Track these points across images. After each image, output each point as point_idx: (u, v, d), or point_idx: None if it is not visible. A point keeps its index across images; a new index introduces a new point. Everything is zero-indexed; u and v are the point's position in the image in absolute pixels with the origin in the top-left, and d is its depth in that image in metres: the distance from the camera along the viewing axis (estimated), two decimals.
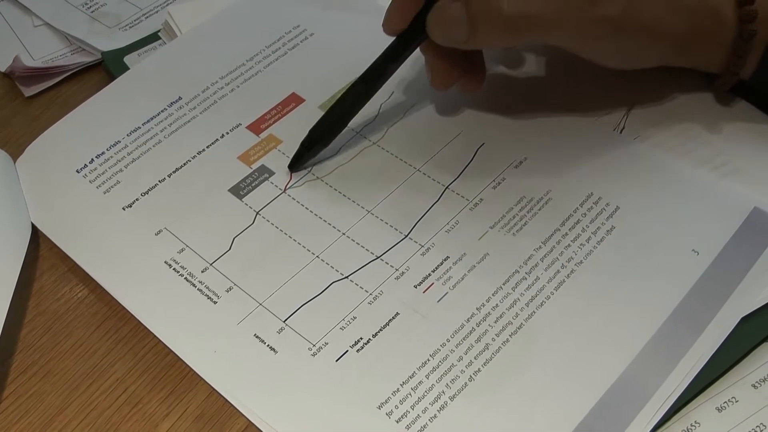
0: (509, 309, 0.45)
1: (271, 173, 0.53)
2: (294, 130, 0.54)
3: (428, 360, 0.44)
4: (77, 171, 0.54)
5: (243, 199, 0.51)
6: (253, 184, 0.52)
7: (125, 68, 0.61)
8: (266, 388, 0.44)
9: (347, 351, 0.45)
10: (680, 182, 0.50)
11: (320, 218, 0.50)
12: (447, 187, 0.51)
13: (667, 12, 0.47)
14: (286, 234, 0.50)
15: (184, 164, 0.54)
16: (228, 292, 0.47)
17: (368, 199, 0.51)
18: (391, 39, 0.51)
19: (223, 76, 0.59)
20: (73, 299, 0.49)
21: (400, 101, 0.56)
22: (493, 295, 0.46)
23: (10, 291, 0.47)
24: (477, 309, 0.45)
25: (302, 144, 0.52)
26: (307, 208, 0.51)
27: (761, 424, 0.41)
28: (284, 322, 0.46)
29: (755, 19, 0.47)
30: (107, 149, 0.55)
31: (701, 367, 0.42)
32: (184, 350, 0.46)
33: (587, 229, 0.48)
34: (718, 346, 0.43)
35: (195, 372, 0.45)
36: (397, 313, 0.46)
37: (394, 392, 0.43)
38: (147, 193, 0.52)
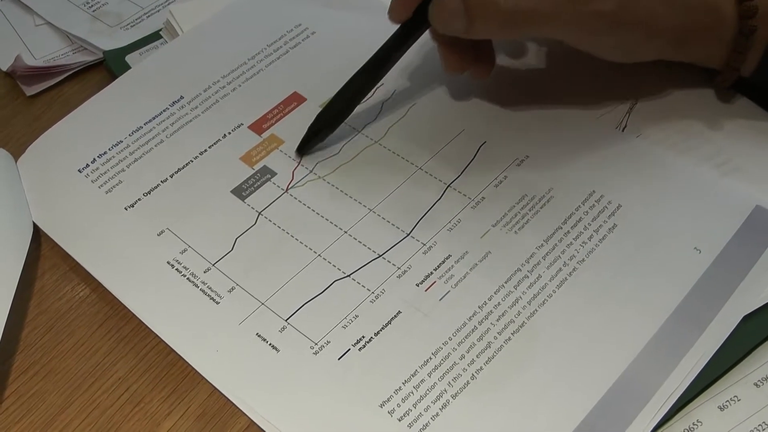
0: (511, 307, 0.45)
1: (273, 174, 0.53)
2: (296, 129, 0.54)
3: (430, 358, 0.44)
4: (79, 171, 0.54)
5: (245, 201, 0.51)
6: (255, 186, 0.52)
7: (127, 67, 0.61)
8: (268, 387, 0.44)
9: (349, 350, 0.45)
10: (682, 180, 0.50)
11: (322, 217, 0.50)
12: (449, 186, 0.51)
13: (663, 7, 0.47)
14: (288, 233, 0.50)
15: (187, 164, 0.54)
16: (230, 292, 0.47)
17: (370, 198, 0.51)
18: (395, 27, 0.51)
19: (224, 75, 0.59)
20: (75, 298, 0.49)
21: (402, 100, 0.56)
22: (495, 293, 0.46)
23: (11, 290, 0.47)
24: (479, 307, 0.45)
25: (310, 128, 0.53)
26: (309, 207, 0.51)
27: (763, 422, 0.41)
28: (286, 321, 0.46)
29: (755, 14, 0.47)
30: (109, 149, 0.55)
31: (703, 366, 0.42)
32: (185, 349, 0.46)
33: (589, 227, 0.48)
34: (720, 345, 0.43)
35: (197, 371, 0.45)
36: (399, 312, 0.46)
37: (396, 391, 0.43)
38: (149, 193, 0.52)
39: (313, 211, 0.50)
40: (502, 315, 0.45)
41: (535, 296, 0.46)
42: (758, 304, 0.44)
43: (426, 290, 0.46)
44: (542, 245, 0.48)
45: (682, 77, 0.53)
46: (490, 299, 0.46)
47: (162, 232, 0.50)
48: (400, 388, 0.43)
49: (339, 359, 0.44)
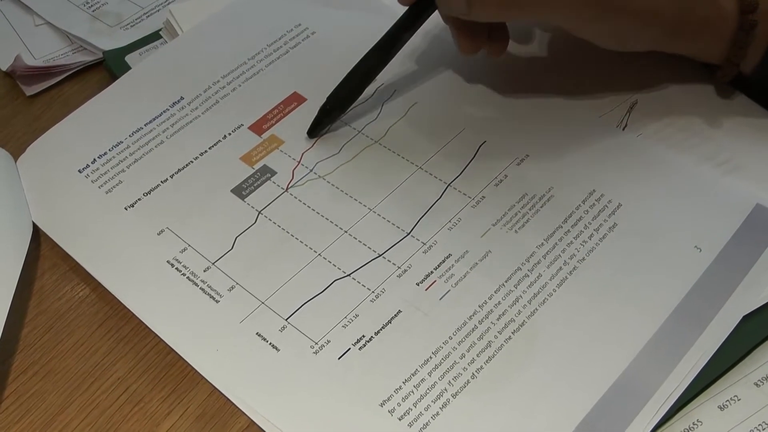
0: (511, 306, 0.45)
1: (273, 173, 0.53)
2: (296, 130, 0.54)
3: (430, 357, 0.44)
4: (79, 171, 0.54)
5: (245, 200, 0.51)
6: (255, 185, 0.52)
7: (126, 67, 0.61)
8: (268, 386, 0.44)
9: (349, 349, 0.45)
10: (683, 179, 0.50)
11: (322, 216, 0.50)
12: (449, 185, 0.51)
13: None
14: (288, 233, 0.49)
15: (187, 165, 0.54)
16: (230, 291, 0.47)
17: (370, 198, 0.51)
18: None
19: (224, 75, 0.59)
20: (75, 298, 0.49)
21: (402, 100, 0.56)
22: (495, 292, 0.46)
23: (11, 290, 0.47)
24: (479, 306, 0.45)
25: (321, 109, 0.53)
26: (309, 206, 0.51)
27: (763, 422, 0.41)
28: (286, 320, 0.46)
29: (756, 9, 0.47)
30: (109, 149, 0.55)
31: (703, 365, 0.42)
32: (185, 349, 0.46)
33: (589, 226, 0.48)
34: (720, 344, 0.43)
35: (196, 371, 0.45)
36: (400, 311, 0.46)
37: (396, 390, 0.43)
38: (149, 193, 0.52)
39: (313, 210, 0.50)
40: (503, 314, 0.45)
41: (536, 295, 0.46)
42: (758, 304, 0.44)
43: (426, 289, 0.46)
44: (542, 244, 0.48)
45: (683, 76, 0.53)
46: (490, 298, 0.46)
47: (162, 231, 0.50)
48: (400, 388, 0.43)
49: (339, 358, 0.44)
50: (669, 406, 0.41)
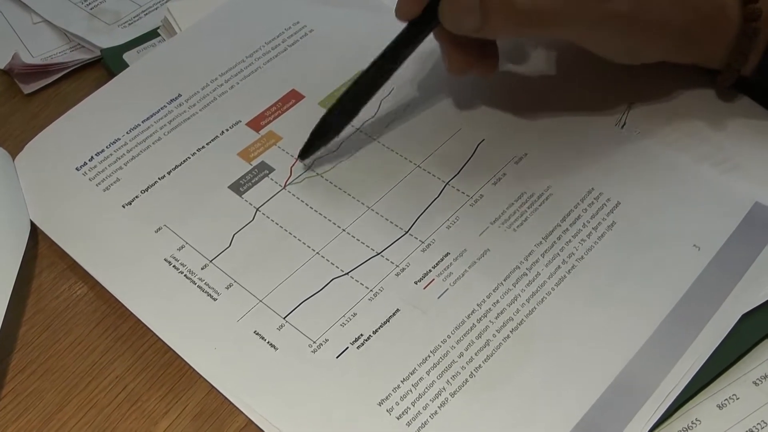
0: (510, 305, 0.45)
1: (271, 170, 0.52)
2: (294, 126, 0.54)
3: (429, 356, 0.44)
4: (77, 169, 0.54)
5: (243, 196, 0.51)
6: (252, 181, 0.52)
7: (124, 65, 0.61)
8: (266, 385, 0.44)
9: (347, 348, 0.44)
10: (681, 178, 0.50)
11: (320, 215, 0.50)
12: (447, 183, 0.51)
13: (674, 7, 0.47)
14: (286, 230, 0.49)
15: (184, 161, 0.53)
16: (228, 289, 0.47)
17: (368, 196, 0.51)
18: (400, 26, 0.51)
19: (222, 72, 0.59)
20: (72, 297, 0.49)
21: (401, 98, 0.55)
22: (493, 291, 0.46)
23: (8, 289, 0.46)
24: (477, 305, 0.45)
25: (314, 132, 0.52)
26: (307, 204, 0.51)
27: (762, 421, 0.41)
28: (284, 318, 0.46)
29: (759, 17, 0.47)
30: (107, 147, 0.55)
31: (702, 364, 0.42)
32: (183, 348, 0.46)
33: (588, 224, 0.48)
34: (718, 343, 0.43)
35: (194, 369, 0.45)
36: (398, 310, 0.46)
37: (394, 389, 0.43)
38: (147, 190, 0.52)
39: (311, 208, 0.50)
40: (501, 313, 0.45)
41: (534, 294, 0.46)
42: (757, 302, 0.44)
43: (424, 288, 0.46)
44: (541, 243, 0.48)
45: (683, 76, 0.53)
46: (488, 297, 0.46)
47: (159, 229, 0.50)
48: (398, 387, 0.43)
49: (337, 357, 0.44)
50: (668, 405, 0.41)
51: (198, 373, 0.45)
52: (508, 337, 0.44)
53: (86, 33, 0.64)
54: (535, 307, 0.45)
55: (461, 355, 0.44)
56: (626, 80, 0.53)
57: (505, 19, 0.46)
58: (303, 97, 0.57)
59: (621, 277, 0.46)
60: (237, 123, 0.55)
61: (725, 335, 0.43)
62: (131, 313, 0.47)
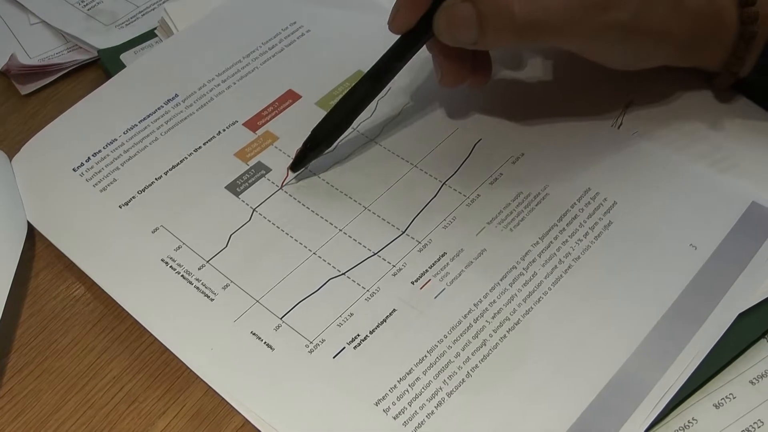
0: (507, 305, 0.45)
1: (268, 170, 0.52)
2: (291, 126, 0.54)
3: (425, 356, 0.44)
4: (74, 169, 0.54)
5: (240, 196, 0.51)
6: (249, 181, 0.52)
7: (121, 66, 0.61)
8: (263, 385, 0.44)
9: (344, 348, 0.44)
10: (678, 177, 0.50)
11: (317, 215, 0.50)
12: (444, 183, 0.51)
13: (673, 15, 0.46)
14: (282, 231, 0.49)
15: (181, 161, 0.53)
16: (224, 289, 0.47)
17: (365, 196, 0.51)
18: (394, 37, 0.50)
19: (219, 73, 0.59)
20: (70, 297, 0.49)
21: (398, 98, 0.55)
22: (490, 291, 0.46)
23: (6, 289, 0.46)
24: (474, 305, 0.45)
25: (305, 144, 0.51)
26: (303, 204, 0.51)
27: (759, 420, 0.41)
28: (281, 319, 0.46)
29: (756, 21, 0.47)
30: (104, 147, 0.55)
31: (698, 364, 0.42)
32: (180, 348, 0.46)
33: (585, 224, 0.48)
34: (715, 342, 0.43)
35: (191, 370, 0.45)
36: (394, 310, 0.46)
37: (391, 389, 0.43)
38: (143, 191, 0.52)
39: (308, 208, 0.50)
40: (498, 313, 0.45)
41: (531, 294, 0.46)
42: (754, 302, 0.44)
43: (421, 288, 0.46)
44: (537, 243, 0.48)
45: (680, 76, 0.53)
46: (485, 297, 0.46)
47: (156, 229, 0.50)
48: (395, 387, 0.43)
49: (334, 357, 0.44)
50: (664, 405, 0.41)
51: (195, 373, 0.45)
52: (505, 336, 0.44)
53: (83, 34, 0.64)
54: (531, 307, 0.45)
55: (458, 355, 0.44)
56: (623, 80, 0.53)
57: (503, 31, 0.46)
58: (300, 97, 0.57)
59: (617, 276, 0.46)
60: (234, 123, 0.55)
61: (722, 335, 0.43)
62: (128, 313, 0.47)
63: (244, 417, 0.43)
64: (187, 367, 0.45)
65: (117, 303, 0.47)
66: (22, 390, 0.45)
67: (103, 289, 0.48)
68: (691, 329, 0.43)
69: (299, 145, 0.51)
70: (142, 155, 0.54)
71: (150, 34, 0.64)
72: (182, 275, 0.48)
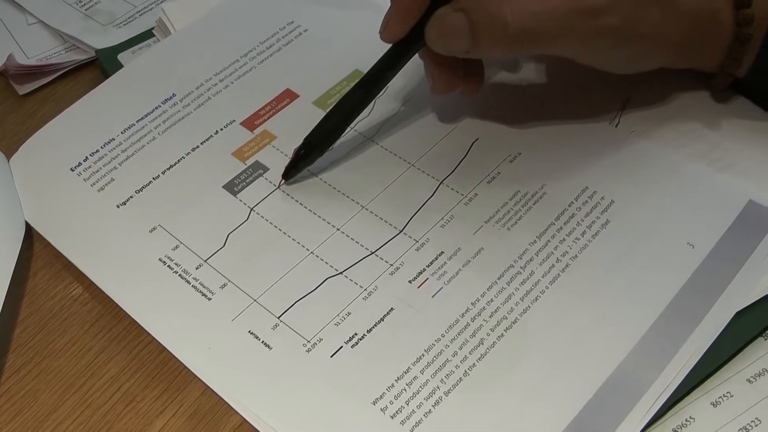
0: (504, 304, 0.45)
1: (266, 169, 0.52)
2: (288, 125, 0.55)
3: (423, 355, 0.44)
4: (71, 169, 0.54)
5: (237, 196, 0.51)
6: (247, 180, 0.52)
7: (119, 66, 0.61)
8: (261, 384, 0.44)
9: (342, 347, 0.45)
10: (675, 176, 0.50)
11: (314, 214, 0.50)
12: (441, 182, 0.51)
13: (666, 19, 0.46)
14: (280, 230, 0.49)
15: (178, 161, 0.53)
16: (222, 288, 0.47)
17: (362, 195, 0.51)
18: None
19: (217, 72, 0.59)
20: (67, 297, 0.49)
21: (395, 97, 0.55)
22: (487, 289, 0.46)
23: (3, 289, 0.46)
24: (472, 304, 0.45)
25: (297, 152, 0.51)
26: (301, 203, 0.51)
27: (756, 418, 0.41)
28: (279, 318, 0.46)
29: (752, 22, 0.47)
30: (101, 147, 0.55)
31: (696, 362, 0.42)
32: (178, 347, 0.46)
33: (582, 223, 0.48)
34: (712, 341, 0.43)
35: (189, 369, 0.45)
36: (392, 309, 0.46)
37: (388, 388, 0.43)
38: (141, 190, 0.52)
39: (306, 207, 0.50)
40: (495, 311, 0.45)
41: (528, 292, 0.46)
42: (751, 300, 0.44)
43: (418, 287, 0.46)
44: (535, 241, 0.48)
45: (677, 75, 0.53)
46: (482, 296, 0.46)
47: (154, 228, 0.50)
48: (392, 385, 0.43)
49: (332, 356, 0.44)
50: (662, 403, 0.41)
51: (193, 372, 0.45)
52: (502, 335, 0.44)
53: (81, 34, 0.64)
54: (529, 306, 0.45)
55: (455, 353, 0.44)
56: (620, 79, 0.53)
57: (496, 40, 0.46)
58: (297, 96, 0.57)
59: (614, 275, 0.46)
60: (231, 122, 0.55)
61: (719, 333, 0.43)
62: (126, 313, 0.47)
63: (242, 416, 0.43)
64: (185, 367, 0.45)
65: (115, 302, 0.47)
66: (20, 390, 0.45)
67: (100, 289, 0.48)
68: (688, 328, 0.43)
69: (297, 144, 0.51)
70: (139, 155, 0.54)
71: (148, 34, 0.64)
72: (180, 275, 0.48)
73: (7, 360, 0.47)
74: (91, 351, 0.47)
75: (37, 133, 0.56)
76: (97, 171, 0.53)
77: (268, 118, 0.55)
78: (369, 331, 0.45)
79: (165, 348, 0.46)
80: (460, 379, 0.43)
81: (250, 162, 0.53)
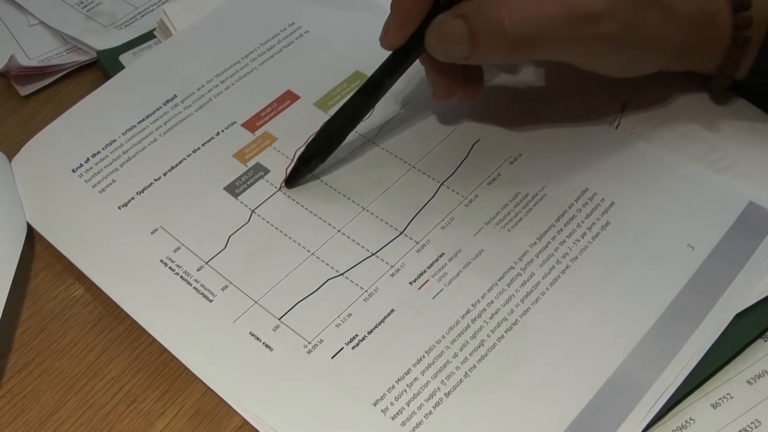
0: (504, 305, 0.45)
1: (267, 171, 0.53)
2: (289, 127, 0.55)
3: (423, 356, 0.44)
4: (73, 170, 0.54)
5: (238, 197, 0.51)
6: (248, 182, 0.52)
7: (120, 67, 0.61)
8: (262, 385, 0.44)
9: (342, 348, 0.45)
10: (675, 178, 0.50)
11: (315, 216, 0.50)
12: (442, 184, 0.51)
13: (665, 23, 0.46)
14: (281, 232, 0.50)
15: (180, 162, 0.54)
16: (223, 290, 0.47)
17: (363, 197, 0.51)
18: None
19: (218, 74, 0.59)
20: (69, 298, 0.49)
21: (395, 99, 0.56)
22: (488, 291, 0.46)
23: (5, 290, 0.47)
24: (472, 305, 0.45)
25: (299, 160, 0.51)
26: (302, 205, 0.51)
27: (756, 420, 0.41)
28: (280, 319, 0.46)
29: (750, 25, 0.47)
30: (103, 148, 0.55)
31: (696, 363, 0.42)
32: (179, 348, 0.46)
33: (582, 224, 0.48)
34: (712, 342, 0.43)
35: (190, 370, 0.45)
36: (393, 310, 0.46)
37: (389, 389, 0.43)
38: (142, 192, 0.52)
39: (307, 209, 0.50)
40: (495, 313, 0.45)
41: (528, 294, 0.46)
42: (751, 302, 0.44)
43: (419, 288, 0.46)
44: (535, 243, 0.48)
45: (677, 77, 0.53)
46: (483, 297, 0.46)
47: (155, 230, 0.50)
48: (393, 387, 0.43)
49: (332, 358, 0.44)
50: (662, 405, 0.41)
51: (194, 373, 0.45)
52: (503, 337, 0.44)
53: (82, 35, 0.65)
54: (529, 307, 0.45)
55: (456, 355, 0.44)
56: (620, 82, 0.53)
57: (495, 46, 0.46)
58: (298, 97, 0.57)
59: (615, 276, 0.46)
60: (232, 124, 0.55)
61: (719, 334, 0.43)
62: (127, 314, 0.47)
63: (243, 417, 0.43)
64: (186, 368, 0.45)
65: (116, 304, 0.48)
66: (22, 390, 0.46)
67: (102, 290, 0.48)
68: (688, 329, 0.43)
69: (298, 146, 0.52)
70: (141, 156, 0.54)
71: (149, 35, 0.64)
72: (181, 276, 0.48)
73: (9, 361, 0.47)
74: (93, 352, 0.47)
75: (39, 134, 0.56)
76: (99, 172, 0.53)
77: (269, 120, 0.55)
78: (370, 332, 0.45)
79: (166, 349, 0.46)
80: (461, 380, 0.43)
81: (251, 164, 0.53)
